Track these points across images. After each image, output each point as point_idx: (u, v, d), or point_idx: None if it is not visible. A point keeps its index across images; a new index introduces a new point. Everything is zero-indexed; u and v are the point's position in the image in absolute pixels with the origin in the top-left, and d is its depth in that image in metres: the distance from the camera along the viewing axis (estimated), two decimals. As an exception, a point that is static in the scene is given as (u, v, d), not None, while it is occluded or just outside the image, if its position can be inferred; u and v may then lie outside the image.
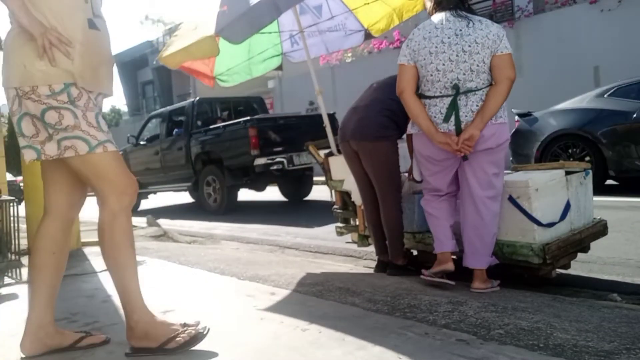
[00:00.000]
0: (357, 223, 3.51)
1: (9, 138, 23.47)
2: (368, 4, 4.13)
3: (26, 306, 1.84)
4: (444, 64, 2.38)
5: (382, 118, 2.88)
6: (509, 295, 2.30)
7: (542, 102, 7.75)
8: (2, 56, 1.72)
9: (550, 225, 2.56)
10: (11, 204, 3.26)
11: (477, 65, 2.36)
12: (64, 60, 1.67)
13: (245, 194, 9.35)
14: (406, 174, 3.06)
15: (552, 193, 2.59)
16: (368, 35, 4.41)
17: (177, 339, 1.78)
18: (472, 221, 2.48)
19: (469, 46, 2.35)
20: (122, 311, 2.17)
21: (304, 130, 7.47)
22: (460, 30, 2.38)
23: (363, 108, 2.99)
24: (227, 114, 9.66)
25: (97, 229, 1.80)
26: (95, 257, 3.94)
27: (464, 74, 2.37)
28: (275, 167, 7.54)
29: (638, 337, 1.72)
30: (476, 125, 2.33)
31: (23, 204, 4.23)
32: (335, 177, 3.55)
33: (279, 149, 7.66)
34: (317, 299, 2.42)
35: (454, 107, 2.39)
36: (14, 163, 15.16)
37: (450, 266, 2.57)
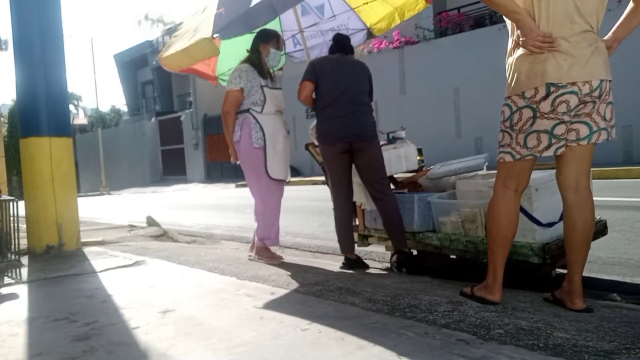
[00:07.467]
0: (357, 223, 3.51)
1: (8, 138, 23.52)
2: (368, 3, 4.13)
3: (26, 306, 1.84)
4: None
5: (371, 116, 3.25)
6: (509, 295, 2.30)
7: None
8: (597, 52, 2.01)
9: (550, 225, 2.56)
10: (11, 204, 3.26)
11: None
12: None
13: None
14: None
15: (552, 193, 2.58)
16: (369, 35, 4.41)
17: None
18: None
19: None
20: (122, 311, 2.17)
21: None
22: None
23: (353, 116, 3.18)
24: None
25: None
26: (95, 257, 3.94)
27: None
28: None
29: (638, 337, 1.72)
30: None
31: (23, 203, 4.22)
32: (335, 177, 3.55)
33: None
34: (317, 299, 2.42)
35: None
36: (14, 163, 15.15)
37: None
